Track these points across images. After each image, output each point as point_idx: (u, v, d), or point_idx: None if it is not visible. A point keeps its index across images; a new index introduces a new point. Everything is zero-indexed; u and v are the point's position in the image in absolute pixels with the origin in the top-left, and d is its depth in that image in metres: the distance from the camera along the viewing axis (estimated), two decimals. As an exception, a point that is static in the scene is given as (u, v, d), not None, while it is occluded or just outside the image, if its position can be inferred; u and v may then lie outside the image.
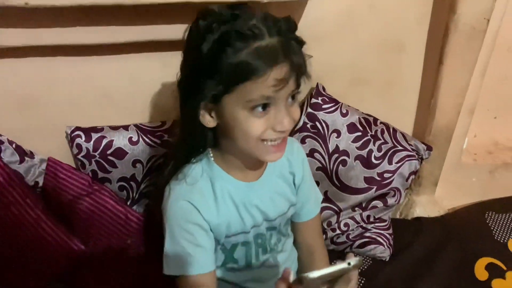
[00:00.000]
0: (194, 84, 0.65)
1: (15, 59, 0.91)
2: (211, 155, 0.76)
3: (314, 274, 0.47)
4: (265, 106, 0.64)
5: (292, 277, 0.53)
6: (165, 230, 0.72)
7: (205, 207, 0.72)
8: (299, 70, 0.65)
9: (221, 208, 0.74)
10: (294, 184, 0.84)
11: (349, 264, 0.49)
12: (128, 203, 1.00)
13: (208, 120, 0.69)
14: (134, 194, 1.01)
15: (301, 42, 0.67)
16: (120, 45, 0.91)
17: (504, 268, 1.09)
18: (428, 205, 1.28)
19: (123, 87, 0.99)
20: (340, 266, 0.49)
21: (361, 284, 1.04)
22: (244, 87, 0.62)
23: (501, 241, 1.16)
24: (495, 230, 1.19)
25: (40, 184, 0.98)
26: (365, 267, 1.09)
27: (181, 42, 0.95)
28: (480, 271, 1.09)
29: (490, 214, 1.24)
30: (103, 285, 0.96)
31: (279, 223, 0.82)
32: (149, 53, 0.97)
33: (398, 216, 1.30)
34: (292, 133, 1.05)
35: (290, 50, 0.63)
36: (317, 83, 1.07)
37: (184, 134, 0.74)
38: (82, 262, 0.94)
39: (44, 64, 0.93)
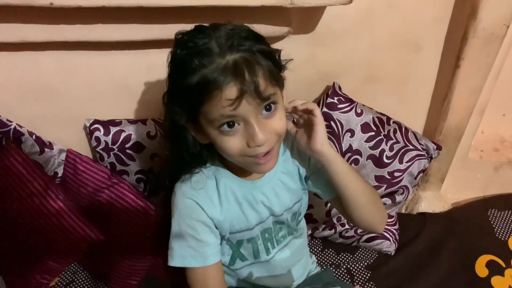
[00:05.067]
0: (170, 108, 0.68)
1: (35, 52, 0.90)
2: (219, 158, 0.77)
3: None
4: (231, 124, 0.63)
5: None
6: (172, 224, 0.74)
7: (209, 205, 0.73)
8: (260, 83, 0.60)
9: (224, 205, 0.75)
10: (299, 175, 0.83)
11: None
12: (146, 194, 1.02)
13: (200, 138, 0.70)
14: (152, 186, 1.03)
15: (267, 52, 0.63)
16: (139, 42, 0.90)
17: (504, 265, 1.11)
18: (433, 200, 1.30)
19: (141, 80, 0.99)
20: None
21: (367, 277, 1.08)
22: (204, 109, 0.62)
23: (502, 238, 1.18)
24: (496, 227, 1.21)
25: (60, 174, 0.99)
26: (371, 260, 1.12)
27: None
28: (480, 267, 1.11)
29: (492, 212, 1.25)
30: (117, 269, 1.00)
31: (286, 218, 0.82)
32: (167, 48, 0.96)
33: (403, 211, 1.32)
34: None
35: (242, 68, 0.59)
36: (334, 82, 1.06)
37: (178, 151, 0.74)
38: (101, 248, 0.97)
39: (63, 56, 0.92)
